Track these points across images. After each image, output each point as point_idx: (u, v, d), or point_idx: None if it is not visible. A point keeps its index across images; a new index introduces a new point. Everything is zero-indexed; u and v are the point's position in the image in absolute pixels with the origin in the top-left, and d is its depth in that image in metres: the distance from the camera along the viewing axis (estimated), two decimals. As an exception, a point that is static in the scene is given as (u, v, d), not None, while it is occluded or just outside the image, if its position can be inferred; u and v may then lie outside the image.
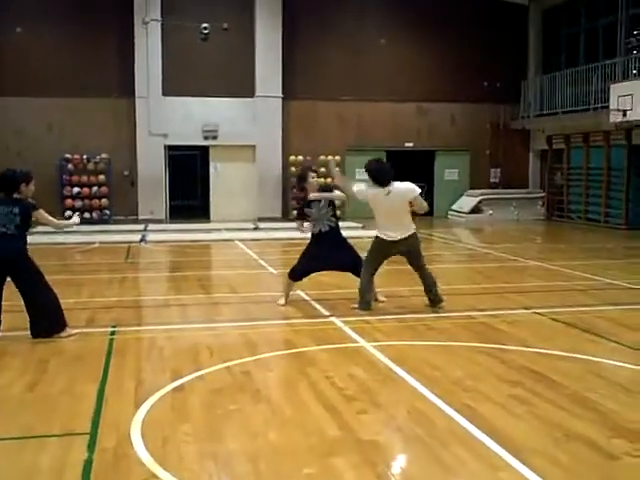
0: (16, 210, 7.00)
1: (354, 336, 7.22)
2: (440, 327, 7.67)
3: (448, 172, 24.52)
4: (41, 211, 7.23)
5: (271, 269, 12.07)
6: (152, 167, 21.97)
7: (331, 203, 8.62)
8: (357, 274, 8.55)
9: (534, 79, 23.93)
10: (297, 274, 8.76)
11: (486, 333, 7.40)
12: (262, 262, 12.96)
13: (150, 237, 17.08)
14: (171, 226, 20.79)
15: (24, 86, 21.22)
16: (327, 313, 8.32)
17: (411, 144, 23.91)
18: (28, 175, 7.25)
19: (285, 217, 22.48)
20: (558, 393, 5.42)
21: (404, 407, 5.15)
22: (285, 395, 5.48)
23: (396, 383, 5.72)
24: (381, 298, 8.91)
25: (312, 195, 8.54)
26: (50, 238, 15.22)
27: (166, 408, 5.13)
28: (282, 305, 8.74)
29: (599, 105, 20.01)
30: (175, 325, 7.81)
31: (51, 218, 7.36)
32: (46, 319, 6.99)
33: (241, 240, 16.55)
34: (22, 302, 7.04)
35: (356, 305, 8.45)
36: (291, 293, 9.03)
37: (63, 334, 7.06)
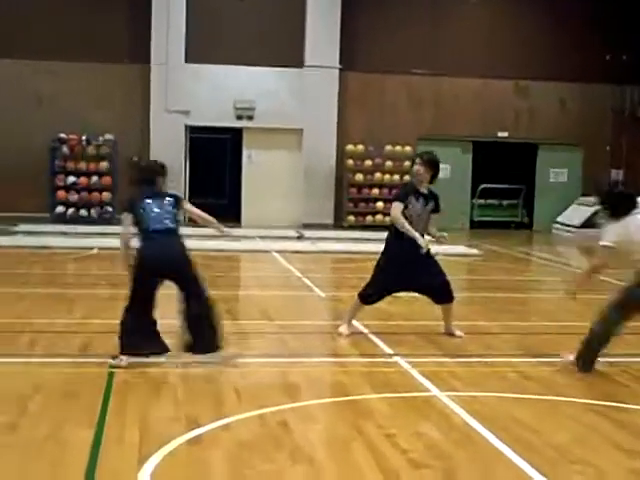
0: (172, 202, 7.68)
1: (425, 383, 7.20)
2: (540, 376, 7.60)
3: (554, 172, 24.34)
4: (189, 204, 8.10)
5: (318, 291, 12.10)
6: (169, 153, 22.17)
7: (436, 207, 8.77)
8: (440, 301, 8.76)
9: (673, 53, 23.61)
10: (371, 295, 8.86)
11: (602, 386, 7.30)
12: (307, 281, 13.00)
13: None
14: (190, 230, 20.82)
15: (2, 44, 21.63)
16: (390, 351, 8.31)
17: (505, 134, 23.80)
18: (165, 167, 8.01)
19: (339, 224, 22.52)
20: (695, 470, 5.32)
21: (488, 479, 5.09)
22: (332, 455, 5.47)
23: (478, 446, 5.68)
24: (458, 333, 8.92)
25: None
26: (37, 241, 15.51)
27: (179, 465, 5.15)
28: (344, 335, 8.82)
29: None
30: (193, 359, 7.86)
31: (203, 214, 8.09)
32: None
33: (280, 252, 16.63)
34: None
35: (570, 357, 8.01)
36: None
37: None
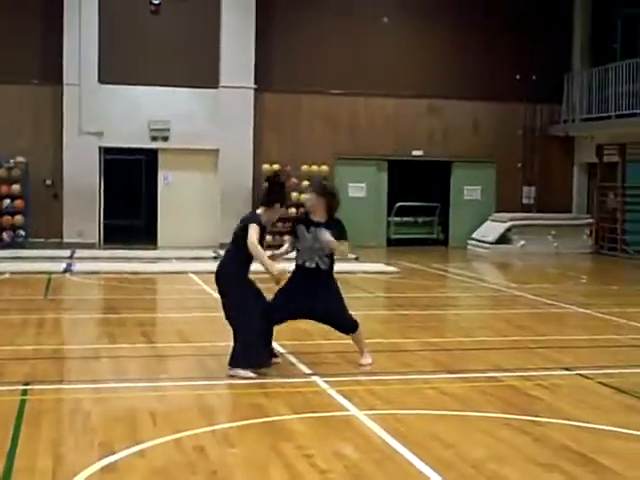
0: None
1: (343, 402, 7.19)
2: (456, 392, 7.66)
3: (468, 190, 24.67)
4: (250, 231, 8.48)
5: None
6: (83, 175, 21.94)
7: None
8: (336, 327, 8.55)
9: (580, 72, 24.22)
10: (273, 317, 8.62)
11: (515, 401, 7.38)
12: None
13: (78, 267, 17.02)
14: (106, 253, 20.70)
15: None
16: (309, 371, 8.30)
17: (420, 152, 24.06)
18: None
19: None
20: (608, 481, 5.40)
21: (407, 497, 5.11)
22: (251, 479, 5.41)
23: (397, 465, 5.68)
24: (362, 361, 8.64)
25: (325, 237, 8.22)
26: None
27: (93, 494, 5.06)
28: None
29: (663, 107, 20.26)
30: (107, 384, 7.75)
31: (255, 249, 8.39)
32: None
33: (197, 273, 16.50)
34: None
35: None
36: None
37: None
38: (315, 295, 8.32)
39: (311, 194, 8.48)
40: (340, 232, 8.29)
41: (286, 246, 8.68)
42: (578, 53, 24.74)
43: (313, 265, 8.32)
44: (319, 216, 8.35)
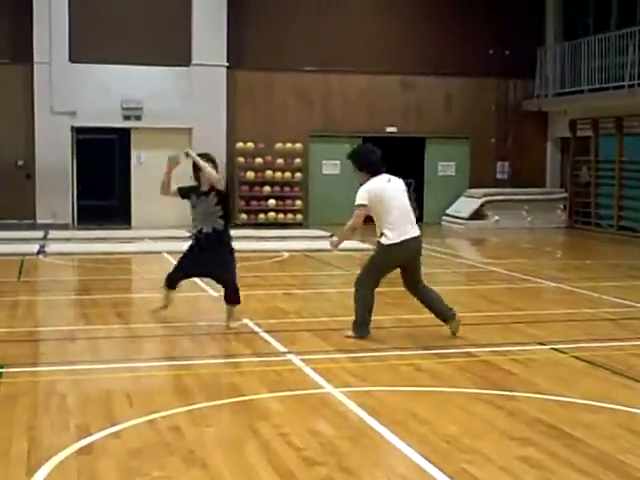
0: None
1: (318, 380, 7.22)
2: (431, 368, 7.71)
3: (442, 166, 24.73)
4: None
5: (211, 291, 12.00)
6: (55, 156, 21.80)
7: (221, 200, 9.31)
8: (226, 297, 9.27)
9: (553, 47, 24.26)
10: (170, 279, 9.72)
11: (489, 376, 7.44)
12: (199, 282, 12.89)
13: (51, 248, 16.93)
14: (79, 233, 20.60)
15: None
16: (284, 349, 8.32)
17: (394, 129, 24.07)
18: None
19: (231, 222, 22.44)
20: (581, 454, 5.46)
21: (382, 473, 5.15)
22: (226, 458, 5.43)
23: (372, 441, 5.73)
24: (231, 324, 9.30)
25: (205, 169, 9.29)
26: None
27: (69, 476, 5.05)
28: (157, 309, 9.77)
29: (635, 82, 20.35)
30: (83, 365, 7.72)
31: None
32: None
33: (172, 253, 16.41)
34: None
35: (351, 333, 8.74)
36: (238, 324, 9.21)
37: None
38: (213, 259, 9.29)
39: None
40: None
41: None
42: (551, 28, 24.76)
43: (210, 230, 9.31)
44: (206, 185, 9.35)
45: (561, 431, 5.89)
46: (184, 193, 9.73)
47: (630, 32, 20.96)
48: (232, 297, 9.28)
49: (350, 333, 8.78)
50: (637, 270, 15.01)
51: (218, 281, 9.58)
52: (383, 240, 8.74)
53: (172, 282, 9.79)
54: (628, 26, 21.27)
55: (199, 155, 9.46)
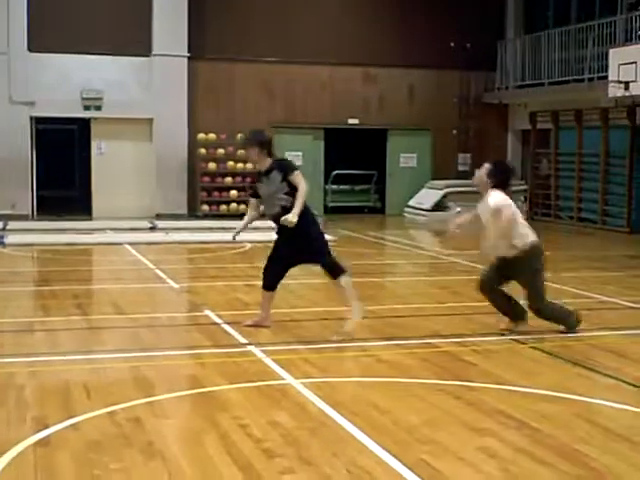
0: None
1: (278, 371, 7.22)
2: (391, 359, 7.72)
3: (404, 157, 24.78)
4: None
5: (171, 282, 11.97)
6: (13, 146, 21.56)
7: (283, 172, 8.47)
8: (328, 272, 8.50)
9: (513, 40, 24.39)
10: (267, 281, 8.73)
11: (449, 366, 7.48)
12: (160, 273, 12.85)
13: (10, 239, 16.76)
14: (39, 224, 20.40)
15: None
16: (245, 341, 8.30)
17: (356, 121, 24.07)
18: None
19: (193, 214, 22.36)
20: (539, 444, 5.50)
21: (342, 464, 5.15)
22: (185, 450, 5.42)
23: (332, 432, 5.73)
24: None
25: None
26: None
27: (26, 468, 5.01)
28: (247, 325, 8.79)
29: (595, 75, 20.50)
30: (40, 357, 7.65)
31: None
32: None
33: (132, 244, 16.38)
34: None
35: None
36: (198, 314, 9.06)
37: None
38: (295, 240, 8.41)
39: (250, 149, 8.61)
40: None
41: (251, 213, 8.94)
42: (512, 20, 24.90)
43: (278, 210, 8.44)
44: (264, 165, 8.56)
45: (520, 421, 5.93)
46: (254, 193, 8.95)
47: (590, 26, 21.10)
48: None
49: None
50: (596, 261, 15.15)
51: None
52: (522, 245, 8.56)
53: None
54: (588, 20, 21.42)
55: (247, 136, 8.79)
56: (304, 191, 8.36)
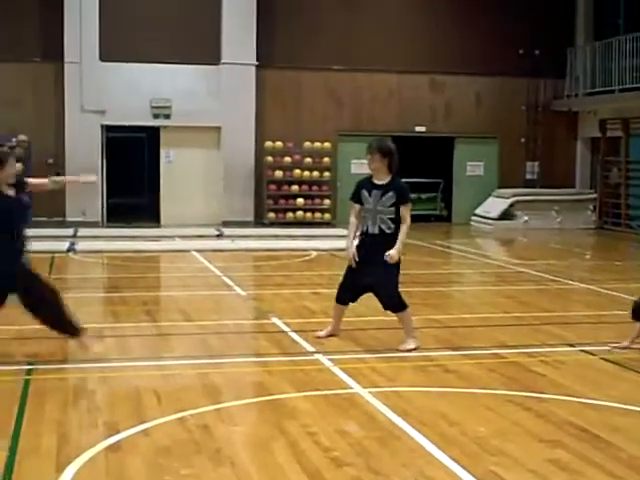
0: None
1: (346, 380, 7.21)
2: (459, 369, 7.68)
3: (471, 166, 24.61)
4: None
5: (239, 290, 12.04)
6: (85, 154, 21.88)
7: (398, 197, 8.20)
8: (382, 302, 8.35)
9: (584, 47, 24.09)
10: (340, 294, 8.59)
11: (518, 377, 7.41)
12: (227, 280, 12.93)
13: (81, 245, 17.03)
14: (109, 231, 20.70)
15: None
16: (312, 349, 8.31)
17: (423, 128, 23.99)
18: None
19: (259, 221, 22.48)
20: (611, 457, 5.42)
21: (411, 474, 5.13)
22: (254, 457, 5.45)
23: (401, 442, 5.71)
24: (401, 347, 8.38)
25: None
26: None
27: (98, 473, 5.07)
28: (320, 337, 8.67)
29: (667, 81, 20.18)
30: (111, 363, 7.77)
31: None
32: None
33: (200, 251, 16.52)
34: None
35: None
36: (265, 321, 9.05)
37: None
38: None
39: (372, 155, 8.36)
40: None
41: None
42: (582, 27, 24.58)
43: (376, 230, 8.23)
44: (380, 178, 8.34)
45: (591, 434, 5.85)
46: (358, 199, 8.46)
47: (662, 32, 20.79)
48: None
49: None
50: (668, 272, 14.88)
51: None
52: None
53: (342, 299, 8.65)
54: (660, 26, 21.09)
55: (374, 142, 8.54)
56: (408, 227, 8.22)
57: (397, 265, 8.25)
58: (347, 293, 8.53)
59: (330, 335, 8.69)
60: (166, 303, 11.65)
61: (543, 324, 9.83)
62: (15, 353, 8.09)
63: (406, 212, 8.22)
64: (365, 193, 8.31)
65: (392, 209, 8.18)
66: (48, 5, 21.61)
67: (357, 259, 8.22)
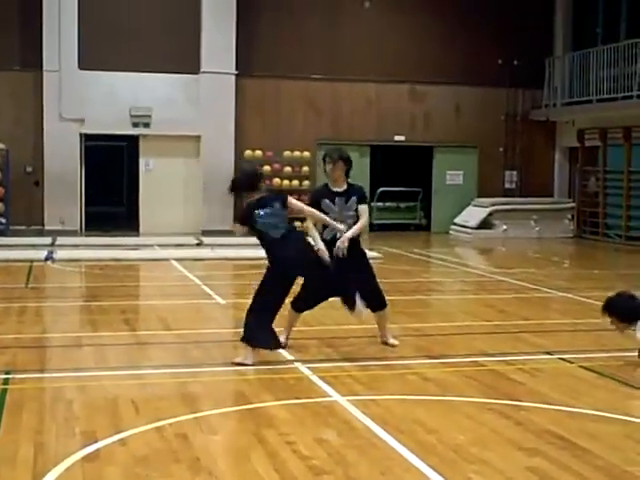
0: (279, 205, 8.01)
1: (325, 388, 7.20)
2: (438, 377, 7.68)
3: (450, 175, 24.69)
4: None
5: (218, 298, 12.02)
6: (63, 162, 21.83)
7: (359, 199, 8.60)
8: (347, 303, 8.24)
9: (562, 57, 24.24)
10: (299, 303, 8.63)
11: (497, 385, 7.42)
12: (206, 289, 12.91)
13: (59, 254, 16.93)
14: (87, 240, 20.61)
15: None
16: (291, 357, 8.29)
17: (402, 138, 24.06)
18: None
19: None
20: (589, 465, 5.43)
21: (389, 482, 5.12)
22: (232, 466, 5.43)
23: (379, 451, 5.70)
24: (391, 341, 8.80)
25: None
26: None
27: (75, 482, 5.05)
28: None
29: (645, 92, 20.32)
30: (89, 372, 7.72)
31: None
32: None
33: (179, 260, 16.48)
34: None
35: None
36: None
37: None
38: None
39: (335, 164, 8.59)
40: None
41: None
42: (560, 37, 24.74)
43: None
44: (339, 185, 8.63)
45: (569, 442, 5.86)
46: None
47: (639, 42, 20.92)
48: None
49: None
50: (645, 280, 14.96)
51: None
52: None
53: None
54: (637, 36, 21.22)
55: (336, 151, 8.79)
56: (367, 220, 8.72)
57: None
58: (309, 301, 8.61)
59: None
60: (145, 312, 11.60)
61: (522, 332, 9.85)
62: (-8, 362, 8.03)
63: (365, 210, 8.62)
64: (327, 202, 8.50)
65: (355, 212, 8.52)
66: (27, 13, 21.54)
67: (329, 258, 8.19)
